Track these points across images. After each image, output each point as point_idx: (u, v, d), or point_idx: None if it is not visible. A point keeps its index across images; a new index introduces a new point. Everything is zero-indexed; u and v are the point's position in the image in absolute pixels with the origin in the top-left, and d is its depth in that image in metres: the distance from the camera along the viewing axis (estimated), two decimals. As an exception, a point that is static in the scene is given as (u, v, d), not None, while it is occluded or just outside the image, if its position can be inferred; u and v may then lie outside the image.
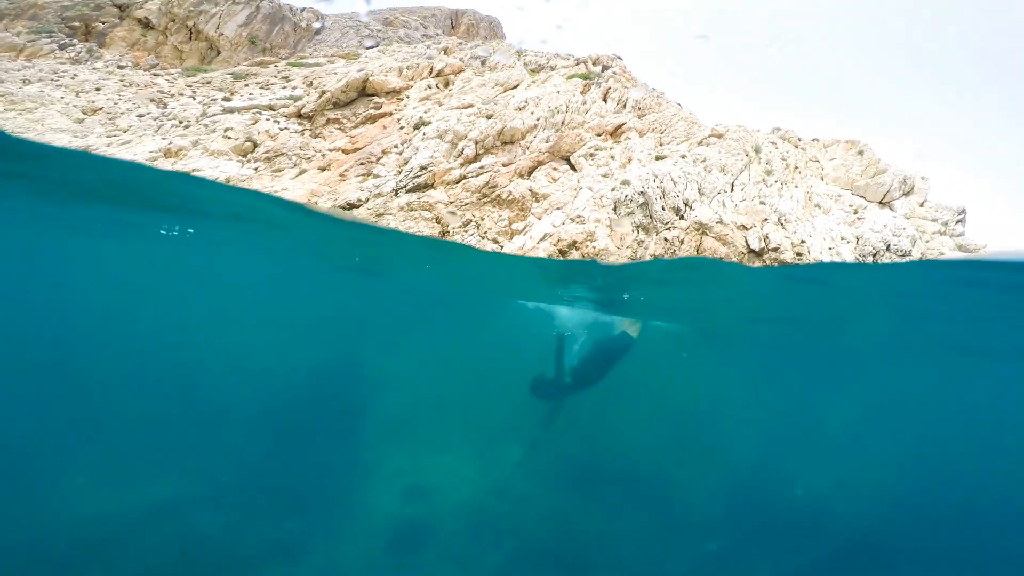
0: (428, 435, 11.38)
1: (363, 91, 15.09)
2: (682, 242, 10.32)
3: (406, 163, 12.83)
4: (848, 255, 8.88)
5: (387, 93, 15.44)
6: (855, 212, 9.74)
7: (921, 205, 9.74)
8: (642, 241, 10.61)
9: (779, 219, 9.83)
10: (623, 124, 13.91)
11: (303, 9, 19.43)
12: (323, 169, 12.28)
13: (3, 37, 13.10)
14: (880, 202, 10.03)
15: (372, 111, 14.43)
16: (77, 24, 14.79)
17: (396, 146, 13.37)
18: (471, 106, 15.15)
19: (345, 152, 12.91)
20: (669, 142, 13.04)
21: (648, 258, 10.34)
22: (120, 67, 12.93)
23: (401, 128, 14.11)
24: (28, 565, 7.06)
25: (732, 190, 11.00)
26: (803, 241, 9.27)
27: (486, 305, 10.43)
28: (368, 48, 18.97)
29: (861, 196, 10.20)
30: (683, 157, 12.18)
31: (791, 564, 9.53)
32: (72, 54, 13.25)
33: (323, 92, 14.09)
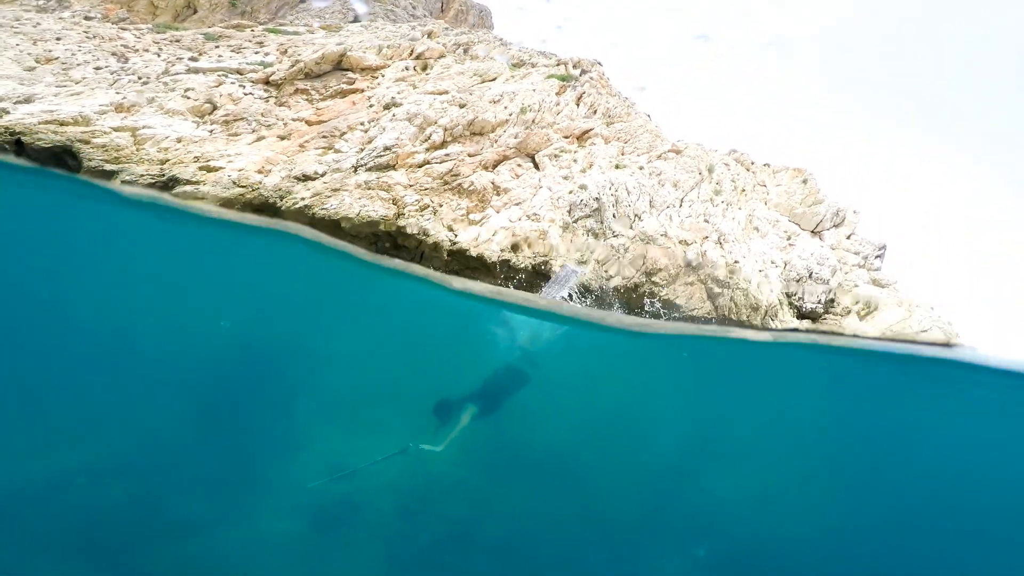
0: (359, 416, 11.45)
1: (338, 65, 14.97)
2: (627, 250, 10.68)
3: (370, 142, 12.83)
4: (775, 278, 9.36)
5: (362, 70, 15.34)
6: (788, 238, 10.25)
7: (848, 238, 10.33)
8: (590, 245, 10.93)
9: (719, 238, 10.27)
10: (591, 129, 14.19)
11: (290, -27, 19.04)
12: (283, 138, 12.19)
13: None
14: (812, 231, 10.58)
15: (344, 86, 14.34)
16: None
17: (363, 124, 13.34)
18: (446, 93, 15.18)
19: (309, 124, 12.83)
20: (631, 152, 13.38)
21: (592, 262, 10.66)
22: (87, 18, 12.52)
23: (371, 106, 14.07)
24: None
25: (681, 205, 11.40)
26: (736, 261, 9.71)
27: (430, 299, 10.60)
28: (351, 22, 18.75)
29: (796, 224, 10.74)
30: (641, 169, 12.54)
31: (692, 556, 10.09)
32: (40, 2, 12.76)
33: (296, 61, 13.93)
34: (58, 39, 11.62)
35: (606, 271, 10.53)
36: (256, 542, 8.63)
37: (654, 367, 12.09)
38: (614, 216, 11.33)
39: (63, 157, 9.52)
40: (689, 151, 13.00)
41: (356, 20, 18.98)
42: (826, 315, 8.96)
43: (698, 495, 11.69)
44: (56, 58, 10.90)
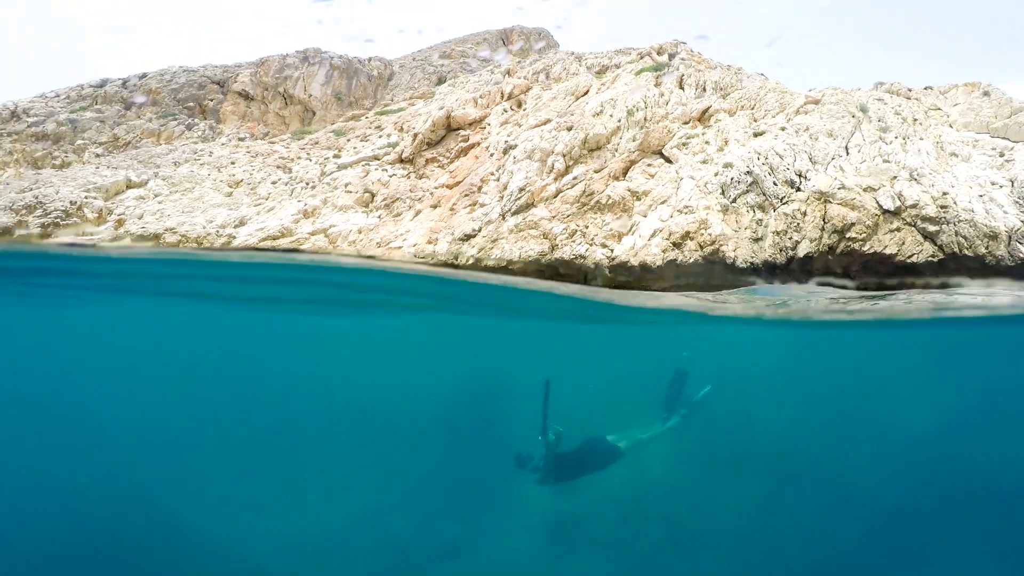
0: (572, 436, 11.94)
1: (448, 126, 16.03)
2: (804, 214, 10.12)
3: (505, 188, 13.48)
4: (1004, 199, 8.34)
5: (469, 124, 16.30)
6: (1001, 155, 9.10)
7: (1080, 134, 8.92)
8: (760, 220, 10.51)
9: (910, 175, 9.41)
10: (708, 107, 13.83)
11: (370, 59, 20.96)
12: (435, 207, 13.19)
13: (140, 123, 15.22)
14: (1029, 138, 9.31)
15: (462, 144, 15.30)
16: (192, 104, 16.90)
17: (492, 173, 14.09)
18: (548, 121, 15.64)
19: (449, 187, 13.79)
20: (763, 117, 12.81)
21: (769, 236, 10.22)
22: (241, 139, 14.65)
23: (491, 155, 14.84)
24: (258, 571, 8.32)
25: (847, 154, 10.64)
26: (945, 193, 8.81)
27: (614, 321, 10.92)
28: (437, 85, 20.07)
29: (1003, 138, 9.52)
30: (783, 129, 11.93)
31: (976, 541, 8.97)
32: (199, 133, 15.18)
33: (415, 135, 15.13)
34: (232, 163, 13.60)
35: (790, 240, 10.05)
36: (507, 558, 9.44)
37: (856, 354, 11.29)
38: (775, 184, 10.84)
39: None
40: (828, 97, 12.18)
41: (441, 82, 20.25)
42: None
43: (967, 474, 10.45)
44: (241, 181, 12.75)
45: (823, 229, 9.80)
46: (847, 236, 9.51)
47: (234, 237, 10.43)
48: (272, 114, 16.47)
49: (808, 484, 11.39)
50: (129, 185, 10.70)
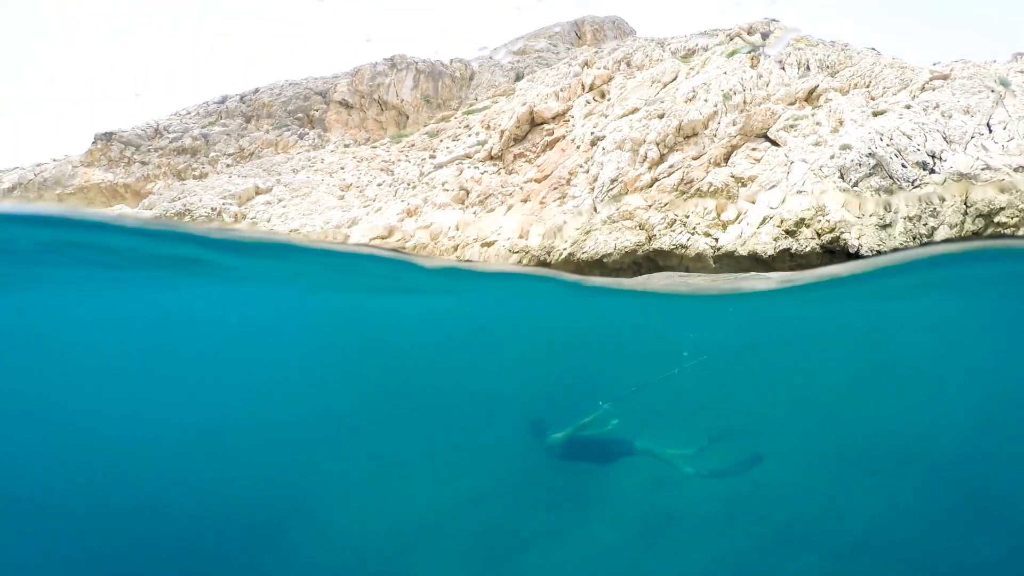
0: (671, 431, 11.68)
1: (532, 121, 16.09)
2: (942, 199, 9.24)
3: (595, 179, 13.36)
4: None
5: (553, 118, 16.28)
6: None
7: None
8: (888, 204, 9.73)
9: (1077, 149, 8.34)
10: (816, 87, 12.95)
11: (451, 61, 21.44)
12: (525, 201, 13.32)
13: (260, 135, 16.49)
14: None
15: (547, 138, 15.32)
16: (300, 115, 18.08)
17: (580, 165, 14.01)
18: (636, 110, 15.28)
19: (537, 181, 13.87)
20: (882, 95, 11.81)
21: (900, 222, 9.43)
22: (346, 146, 15.58)
23: (578, 147, 14.75)
24: (363, 552, 8.75)
25: (990, 131, 9.60)
26: None
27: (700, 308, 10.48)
28: (516, 81, 20.19)
29: None
30: (908, 108, 10.94)
31: None
32: (310, 141, 16.29)
33: (502, 132, 15.32)
34: (342, 168, 14.46)
35: (925, 227, 9.23)
36: (593, 548, 9.32)
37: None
38: (904, 166, 9.98)
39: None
40: (958, 72, 11.03)
41: (519, 78, 20.35)
42: None
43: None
44: (351, 184, 13.51)
45: (966, 214, 8.91)
46: (995, 220, 8.60)
47: (348, 236, 11.10)
48: (371, 120, 17.35)
49: (947, 485, 10.37)
50: (257, 191, 11.75)
